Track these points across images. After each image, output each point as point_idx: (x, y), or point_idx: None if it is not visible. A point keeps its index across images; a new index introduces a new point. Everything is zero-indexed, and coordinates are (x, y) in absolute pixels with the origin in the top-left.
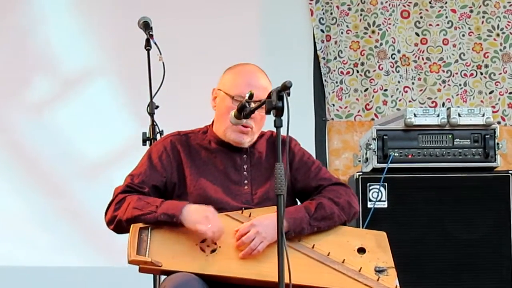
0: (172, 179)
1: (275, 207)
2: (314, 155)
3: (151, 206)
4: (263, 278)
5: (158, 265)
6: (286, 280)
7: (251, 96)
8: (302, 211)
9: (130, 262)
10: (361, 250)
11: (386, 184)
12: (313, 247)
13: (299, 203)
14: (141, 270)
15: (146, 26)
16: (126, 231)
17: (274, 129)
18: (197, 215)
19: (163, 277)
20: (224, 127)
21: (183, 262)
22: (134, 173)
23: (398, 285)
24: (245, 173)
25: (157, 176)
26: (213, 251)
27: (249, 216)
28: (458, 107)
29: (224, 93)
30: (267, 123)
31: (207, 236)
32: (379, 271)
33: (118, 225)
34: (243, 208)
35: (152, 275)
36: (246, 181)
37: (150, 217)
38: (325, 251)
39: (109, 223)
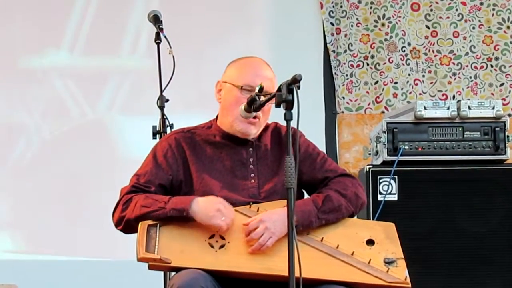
0: (178, 177)
1: (283, 201)
2: (324, 148)
3: (160, 203)
4: (273, 272)
5: (167, 262)
6: (296, 274)
7: (261, 89)
8: (310, 204)
9: (140, 259)
10: (370, 242)
11: (396, 177)
12: (322, 240)
13: (306, 195)
14: (151, 267)
15: (156, 19)
16: (135, 230)
17: (283, 122)
18: (208, 208)
19: (173, 273)
20: (232, 118)
21: (192, 258)
22: (139, 173)
23: (407, 276)
24: (251, 166)
25: (163, 174)
26: (222, 246)
27: (257, 210)
28: (469, 99)
29: (231, 85)
30: (278, 116)
31: (223, 229)
32: (388, 262)
33: (127, 225)
34: (251, 203)
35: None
36: (252, 175)
37: (160, 213)
38: (334, 244)
39: (117, 224)
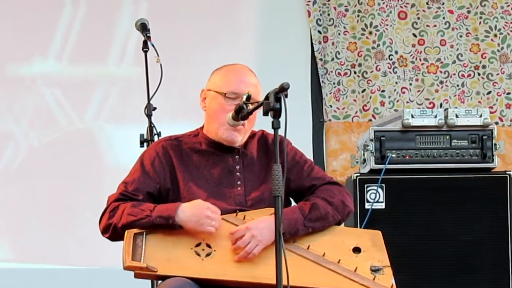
0: (165, 184)
1: (269, 209)
2: (311, 156)
3: (145, 211)
4: (259, 280)
5: (154, 270)
6: (284, 283)
7: (248, 97)
8: (297, 212)
9: (126, 268)
10: (357, 250)
11: (383, 185)
12: (308, 248)
13: (293, 202)
14: (137, 275)
15: (143, 28)
16: (122, 238)
17: (270, 130)
18: (197, 215)
19: (160, 281)
20: (217, 126)
21: (178, 266)
22: (127, 181)
23: (394, 284)
24: (238, 174)
25: (151, 182)
26: (208, 254)
27: (244, 218)
28: (456, 108)
29: (215, 92)
30: (265, 124)
31: (213, 233)
32: (375, 270)
33: (113, 233)
34: (237, 211)
35: None
36: (239, 182)
37: (145, 222)
38: (320, 251)
39: (104, 231)
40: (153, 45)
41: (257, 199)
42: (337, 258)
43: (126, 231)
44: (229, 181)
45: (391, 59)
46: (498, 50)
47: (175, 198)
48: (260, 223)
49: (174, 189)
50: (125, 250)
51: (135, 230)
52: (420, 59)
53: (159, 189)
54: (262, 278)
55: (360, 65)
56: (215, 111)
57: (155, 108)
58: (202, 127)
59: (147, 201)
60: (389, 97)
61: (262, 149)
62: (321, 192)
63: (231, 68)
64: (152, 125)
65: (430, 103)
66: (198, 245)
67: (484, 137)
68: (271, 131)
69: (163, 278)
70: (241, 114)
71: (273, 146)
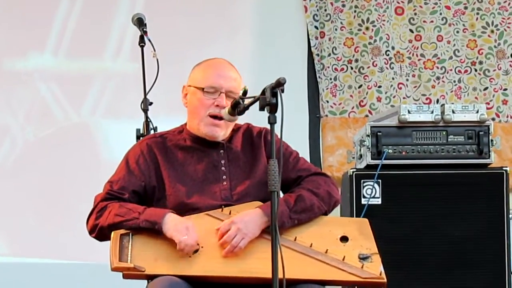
0: (150, 182)
1: (255, 202)
2: (308, 152)
3: (134, 212)
4: (247, 274)
5: (141, 270)
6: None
7: (245, 92)
8: (282, 204)
9: (113, 269)
10: (344, 239)
11: (380, 180)
12: (295, 239)
13: (281, 194)
14: (125, 276)
15: (140, 22)
16: (108, 238)
17: (267, 125)
18: (178, 223)
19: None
20: (198, 121)
21: (166, 265)
22: (113, 180)
23: (383, 271)
24: (223, 168)
25: (136, 181)
26: (196, 251)
27: (229, 213)
28: (452, 103)
29: (194, 88)
30: (262, 119)
31: (180, 246)
32: (363, 258)
33: (100, 233)
34: (223, 206)
35: None
36: (224, 177)
37: (132, 224)
38: (307, 242)
39: (91, 231)
40: (149, 40)
41: (242, 193)
42: (325, 248)
43: (112, 232)
44: (214, 176)
45: (388, 55)
46: (495, 46)
47: (161, 196)
48: (245, 217)
49: (159, 186)
50: (112, 252)
51: (122, 231)
52: (417, 55)
53: (144, 187)
54: (251, 272)
55: (356, 60)
56: (195, 107)
57: (151, 103)
58: (187, 123)
59: (133, 199)
60: (386, 92)
61: (247, 142)
62: (307, 183)
63: (210, 63)
64: (149, 120)
65: (426, 99)
66: None
67: (480, 133)
68: (264, 125)
69: (152, 277)
70: (237, 109)
71: (258, 140)
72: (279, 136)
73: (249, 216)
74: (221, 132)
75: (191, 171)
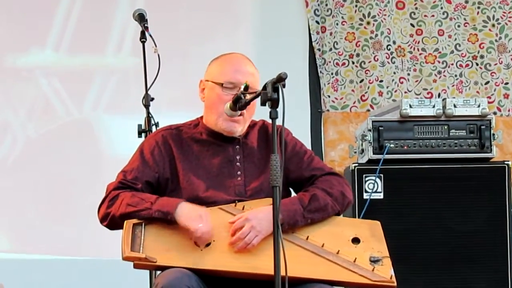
0: (164, 174)
1: (268, 199)
2: (309, 147)
3: (146, 202)
4: (258, 271)
5: (153, 261)
6: (282, 273)
7: (246, 87)
8: (296, 203)
9: (125, 258)
10: (356, 240)
11: (381, 175)
12: (307, 238)
13: (293, 193)
14: (136, 266)
15: (141, 18)
16: (120, 227)
17: (269, 120)
18: (191, 212)
19: (158, 272)
20: (216, 116)
21: (177, 257)
22: (126, 169)
23: (393, 274)
24: (238, 164)
25: (150, 171)
26: (208, 245)
27: (243, 209)
28: (454, 98)
29: (213, 83)
30: (264, 114)
31: (196, 235)
32: (374, 261)
33: (112, 222)
34: (236, 201)
35: None
36: (239, 172)
37: (144, 214)
38: (319, 242)
39: (102, 220)
40: (150, 36)
41: (256, 189)
42: (336, 248)
43: (125, 222)
44: (229, 171)
45: (389, 49)
46: (496, 40)
47: (174, 188)
48: (259, 214)
49: (173, 179)
50: (124, 241)
51: (134, 221)
52: (418, 49)
53: (158, 179)
54: (262, 269)
55: (358, 55)
56: (213, 102)
57: (153, 99)
58: (202, 116)
59: (146, 190)
60: (387, 87)
61: (262, 139)
62: (321, 183)
63: (228, 58)
64: (150, 116)
65: (428, 93)
66: None
67: (482, 127)
68: (270, 121)
69: (162, 268)
70: (239, 104)
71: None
72: (292, 134)
73: (263, 214)
74: (239, 128)
75: (206, 164)
